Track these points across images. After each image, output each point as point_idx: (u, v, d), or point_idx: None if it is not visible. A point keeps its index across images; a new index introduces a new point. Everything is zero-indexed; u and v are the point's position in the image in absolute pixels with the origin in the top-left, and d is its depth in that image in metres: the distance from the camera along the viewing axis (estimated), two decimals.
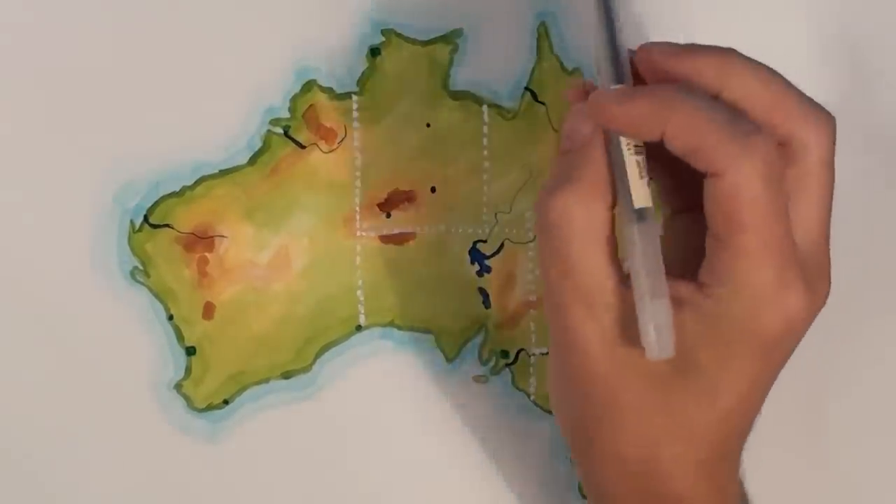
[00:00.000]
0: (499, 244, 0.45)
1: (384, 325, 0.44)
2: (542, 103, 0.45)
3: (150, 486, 0.43)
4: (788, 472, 0.45)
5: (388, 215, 0.44)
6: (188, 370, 0.43)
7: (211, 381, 0.43)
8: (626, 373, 0.35)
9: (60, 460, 0.43)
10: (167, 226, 0.43)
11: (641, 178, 0.36)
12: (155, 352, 0.43)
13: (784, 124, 0.35)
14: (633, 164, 0.36)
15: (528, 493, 0.43)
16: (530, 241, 0.44)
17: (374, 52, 0.44)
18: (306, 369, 0.44)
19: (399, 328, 0.44)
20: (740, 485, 0.39)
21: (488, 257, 0.45)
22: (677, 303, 0.35)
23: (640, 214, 0.35)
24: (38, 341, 0.43)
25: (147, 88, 0.43)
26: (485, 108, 0.44)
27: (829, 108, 0.36)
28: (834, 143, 0.36)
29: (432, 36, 0.44)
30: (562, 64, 0.45)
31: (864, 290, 0.45)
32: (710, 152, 0.34)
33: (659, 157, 0.36)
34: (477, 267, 0.45)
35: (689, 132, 0.34)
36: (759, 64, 0.36)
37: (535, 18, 0.44)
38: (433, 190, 0.44)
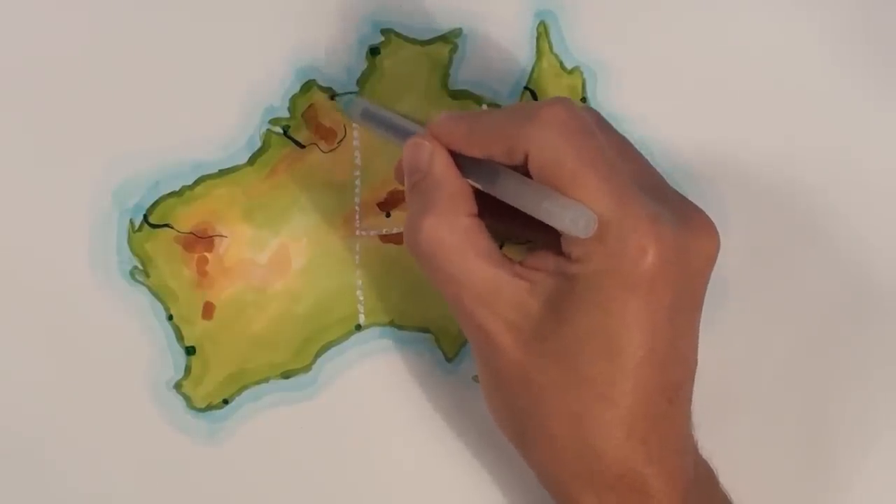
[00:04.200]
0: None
1: (384, 325, 0.44)
2: None
3: (149, 486, 0.43)
4: (788, 473, 0.45)
5: (388, 215, 0.44)
6: (188, 370, 0.43)
7: (210, 381, 0.43)
8: (538, 356, 0.36)
9: (60, 460, 0.43)
10: (167, 225, 0.43)
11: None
12: (155, 351, 0.43)
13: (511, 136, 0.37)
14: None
15: (528, 493, 0.43)
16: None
17: (374, 51, 0.44)
18: (306, 369, 0.44)
19: (399, 328, 0.44)
20: (696, 457, 0.39)
21: None
22: (553, 275, 0.36)
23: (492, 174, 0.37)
24: (37, 341, 0.43)
25: (147, 88, 0.43)
26: (484, 107, 0.44)
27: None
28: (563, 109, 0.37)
29: (432, 36, 0.44)
30: (561, 63, 0.45)
31: (863, 290, 0.45)
32: (515, 144, 0.36)
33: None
34: None
35: (493, 137, 0.37)
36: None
37: (535, 18, 0.44)
38: None
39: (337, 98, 0.44)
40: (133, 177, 0.43)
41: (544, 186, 0.36)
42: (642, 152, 0.40)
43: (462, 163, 0.38)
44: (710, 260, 0.38)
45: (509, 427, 0.39)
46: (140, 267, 0.43)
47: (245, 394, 0.44)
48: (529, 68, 0.45)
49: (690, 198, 0.39)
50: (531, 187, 0.36)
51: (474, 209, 0.38)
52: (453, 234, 0.37)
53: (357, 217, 0.44)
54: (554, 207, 0.35)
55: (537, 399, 0.37)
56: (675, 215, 0.36)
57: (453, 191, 0.38)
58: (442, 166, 0.38)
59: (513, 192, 0.37)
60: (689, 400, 0.38)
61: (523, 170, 0.37)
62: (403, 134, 0.40)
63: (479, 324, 0.37)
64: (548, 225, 0.36)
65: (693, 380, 0.38)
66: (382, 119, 0.41)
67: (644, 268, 0.35)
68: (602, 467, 0.36)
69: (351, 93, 0.44)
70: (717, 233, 0.38)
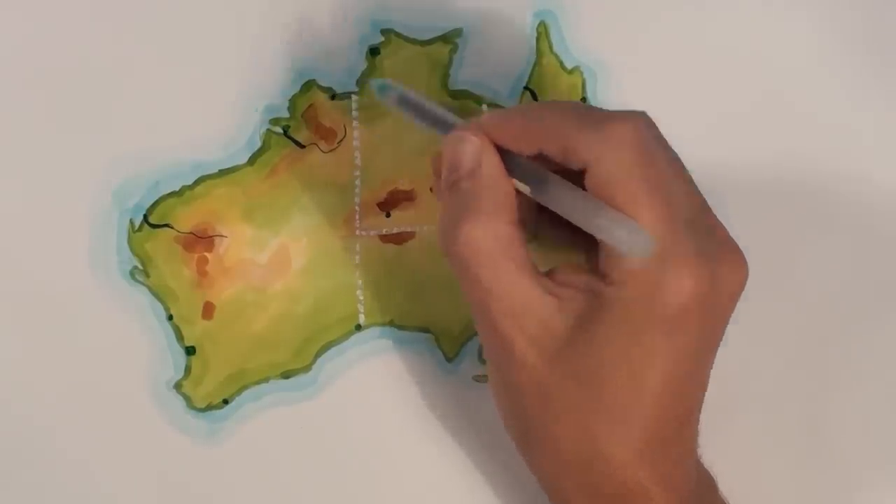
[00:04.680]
0: None
1: (384, 325, 0.44)
2: None
3: (149, 486, 0.43)
4: (788, 475, 0.45)
5: (388, 215, 0.44)
6: (188, 370, 0.43)
7: (210, 381, 0.43)
8: (559, 375, 0.36)
9: (60, 460, 0.43)
10: (167, 225, 0.43)
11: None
12: (154, 351, 0.43)
13: (568, 144, 0.36)
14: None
15: (528, 493, 0.43)
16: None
17: (374, 51, 0.44)
18: (306, 369, 0.44)
19: (399, 328, 0.44)
20: (697, 467, 0.39)
21: None
22: (584, 293, 0.36)
23: (542, 180, 0.36)
24: (37, 341, 0.43)
25: (146, 88, 0.43)
26: (485, 107, 0.44)
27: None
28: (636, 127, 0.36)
29: (432, 35, 0.44)
30: (561, 63, 0.45)
31: (863, 291, 0.45)
32: (576, 149, 0.35)
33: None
34: None
35: (550, 134, 0.36)
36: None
37: (535, 17, 0.44)
38: (433, 189, 0.44)
39: (371, 81, 0.43)
40: (133, 177, 0.43)
41: (599, 201, 0.35)
42: None
43: (507, 164, 0.37)
44: (738, 294, 0.37)
45: (514, 428, 0.38)
46: (140, 267, 0.43)
47: (245, 394, 0.44)
48: (529, 68, 0.45)
49: None
50: (587, 200, 0.35)
51: (515, 216, 0.37)
52: (493, 241, 0.36)
53: (357, 217, 0.44)
54: (610, 224, 0.35)
55: (551, 414, 0.36)
56: (712, 248, 0.36)
57: (499, 196, 0.36)
58: (492, 168, 0.37)
59: (564, 203, 0.36)
60: (698, 419, 0.38)
61: (569, 173, 0.36)
62: (444, 125, 0.38)
63: (503, 334, 0.36)
64: (580, 236, 0.35)
65: (703, 399, 0.38)
66: (419, 107, 0.39)
67: (680, 302, 0.35)
68: (609, 483, 0.36)
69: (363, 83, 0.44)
70: (746, 266, 0.37)
